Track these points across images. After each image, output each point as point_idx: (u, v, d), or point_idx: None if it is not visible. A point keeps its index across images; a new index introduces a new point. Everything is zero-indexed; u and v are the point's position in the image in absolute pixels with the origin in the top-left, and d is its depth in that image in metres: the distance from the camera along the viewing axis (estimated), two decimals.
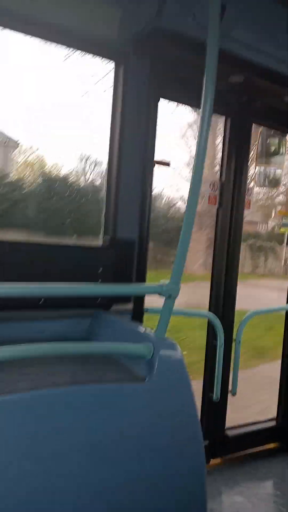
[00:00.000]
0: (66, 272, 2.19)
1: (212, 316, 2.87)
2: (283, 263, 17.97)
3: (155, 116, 2.36)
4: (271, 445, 3.34)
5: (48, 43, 2.21)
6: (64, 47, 2.27)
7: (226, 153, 2.97)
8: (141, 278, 2.41)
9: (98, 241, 2.43)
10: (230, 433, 3.18)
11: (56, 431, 1.42)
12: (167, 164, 2.59)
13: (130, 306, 2.38)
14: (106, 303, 2.28)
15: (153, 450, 1.61)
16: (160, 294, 1.65)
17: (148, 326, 1.98)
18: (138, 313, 2.38)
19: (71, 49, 2.28)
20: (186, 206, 1.65)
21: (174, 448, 1.66)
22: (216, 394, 2.87)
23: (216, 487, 2.83)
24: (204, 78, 1.58)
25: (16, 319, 2.06)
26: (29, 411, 1.39)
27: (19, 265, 2.06)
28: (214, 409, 3.04)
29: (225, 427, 3.16)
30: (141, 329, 1.91)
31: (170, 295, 1.65)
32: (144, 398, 1.62)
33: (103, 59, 2.37)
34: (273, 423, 3.44)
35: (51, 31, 2.14)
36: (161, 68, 2.35)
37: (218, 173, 3.04)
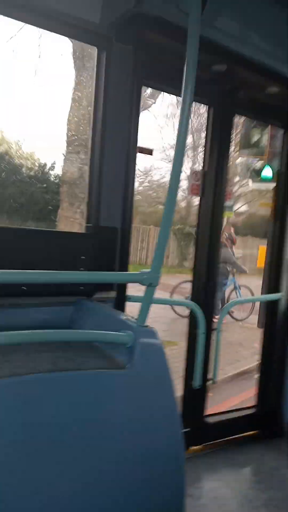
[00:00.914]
0: (49, 258, 2.18)
1: (193, 305, 2.90)
2: None
3: (138, 103, 2.35)
4: (251, 433, 3.41)
5: (28, 26, 2.18)
6: (45, 31, 2.23)
7: (209, 142, 2.98)
8: (124, 266, 2.41)
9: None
10: (210, 420, 3.22)
11: (35, 418, 1.41)
12: (150, 151, 2.58)
13: (113, 294, 2.38)
14: (89, 291, 2.28)
15: (132, 436, 1.62)
16: (141, 282, 1.66)
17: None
18: (120, 301, 2.39)
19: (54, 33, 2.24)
20: (167, 196, 1.65)
21: (153, 434, 1.67)
22: (196, 381, 2.91)
23: (196, 473, 2.87)
24: (185, 66, 1.57)
25: None
26: (8, 397, 1.38)
27: (2, 249, 2.04)
28: (194, 396, 3.08)
29: (205, 414, 3.20)
30: (123, 317, 1.91)
31: (150, 284, 1.66)
32: (124, 385, 1.63)
33: (86, 44, 2.35)
34: (252, 411, 3.50)
35: (32, 14, 2.11)
36: (144, 55, 2.33)
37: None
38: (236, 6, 2.44)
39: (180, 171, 1.62)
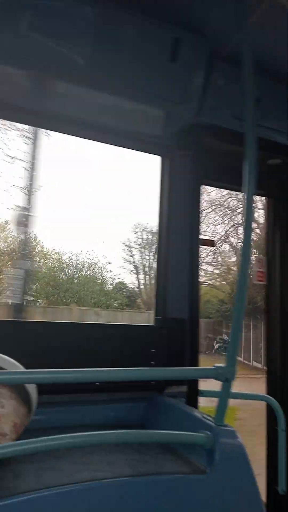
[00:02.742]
0: (121, 351, 2.23)
1: (270, 399, 2.72)
2: None
3: (198, 200, 2.50)
4: None
5: (99, 143, 2.50)
6: (114, 146, 2.54)
7: (270, 230, 3.04)
8: (194, 357, 2.38)
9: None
10: None
11: None
12: (212, 243, 2.67)
13: (184, 388, 2.32)
14: (161, 385, 2.26)
15: None
16: (216, 378, 1.61)
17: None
18: (192, 396, 2.31)
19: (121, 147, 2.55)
20: (237, 287, 1.66)
21: None
22: (281, 486, 2.61)
23: None
24: (245, 164, 1.69)
25: (72, 403, 2.06)
26: (88, 502, 1.35)
27: (74, 345, 2.14)
28: (280, 503, 2.74)
29: None
30: (198, 414, 1.84)
31: (227, 379, 1.60)
32: (206, 491, 1.53)
33: (150, 154, 2.62)
34: None
35: (103, 133, 2.43)
36: (202, 158, 2.54)
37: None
38: (281, 105, 2.64)
39: (249, 264, 1.65)
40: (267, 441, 2.88)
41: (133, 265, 20.44)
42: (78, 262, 17.64)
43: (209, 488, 1.53)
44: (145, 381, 2.16)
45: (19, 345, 2.01)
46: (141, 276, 20.44)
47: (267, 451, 2.88)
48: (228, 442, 1.60)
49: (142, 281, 20.50)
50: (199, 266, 2.52)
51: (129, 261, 20.46)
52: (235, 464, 1.59)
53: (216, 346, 19.09)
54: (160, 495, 1.45)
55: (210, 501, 1.52)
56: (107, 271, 18.60)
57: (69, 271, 17.37)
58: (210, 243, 2.75)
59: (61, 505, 1.32)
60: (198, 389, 2.34)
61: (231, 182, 2.79)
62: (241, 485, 1.58)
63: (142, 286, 20.37)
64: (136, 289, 19.99)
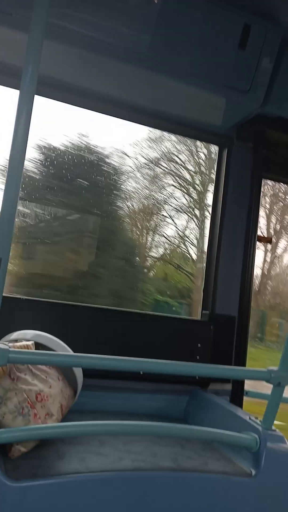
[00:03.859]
0: (166, 343, 2.20)
1: None
2: None
3: (258, 195, 2.40)
4: None
5: (159, 131, 2.46)
6: (173, 134, 2.50)
7: None
8: (241, 357, 2.31)
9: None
10: None
11: None
12: (270, 240, 2.57)
13: (228, 386, 2.27)
14: (205, 381, 2.22)
15: None
16: (267, 381, 1.55)
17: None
18: (237, 395, 2.25)
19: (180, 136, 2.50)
20: None
21: None
22: None
23: None
24: None
25: (115, 389, 2.08)
26: (129, 491, 1.34)
27: (122, 332, 2.15)
28: None
29: None
30: (244, 415, 1.79)
31: (279, 383, 1.53)
32: (251, 495, 1.48)
33: (208, 144, 2.55)
34: None
35: (163, 121, 2.38)
36: (263, 150, 2.44)
37: None
38: None
39: None
40: None
41: None
42: None
43: (254, 492, 1.49)
44: (190, 376, 2.13)
45: (69, 328, 2.04)
46: None
47: None
48: (276, 447, 1.54)
49: None
50: (254, 264, 2.44)
51: None
52: (283, 470, 1.53)
53: None
54: (203, 493, 1.42)
55: (254, 505, 1.47)
56: None
57: None
58: (267, 240, 2.64)
59: (102, 491, 1.33)
60: (243, 389, 2.28)
61: None
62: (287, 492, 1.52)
63: None
64: None
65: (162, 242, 6.34)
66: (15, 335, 1.72)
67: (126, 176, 4.64)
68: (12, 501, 1.22)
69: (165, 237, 6.20)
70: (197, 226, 6.01)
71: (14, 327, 1.78)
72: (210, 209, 2.55)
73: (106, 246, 4.70)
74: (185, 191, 5.99)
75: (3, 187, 1.34)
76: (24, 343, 1.57)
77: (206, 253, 2.56)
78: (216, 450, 1.72)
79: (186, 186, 5.94)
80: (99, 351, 1.51)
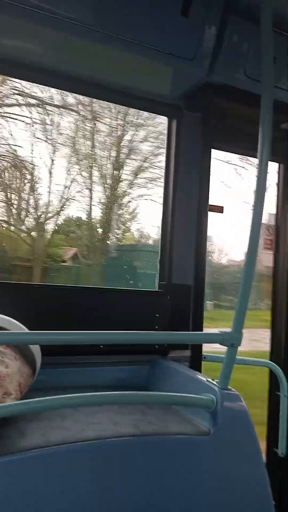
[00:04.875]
0: (125, 315, 2.24)
1: (273, 365, 2.74)
2: None
3: (208, 165, 2.42)
4: None
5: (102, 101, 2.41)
6: (119, 105, 2.45)
7: (280, 198, 2.96)
8: (198, 324, 2.38)
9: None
10: None
11: (120, 481, 1.39)
12: (221, 209, 2.61)
13: (187, 353, 2.34)
14: (164, 350, 2.28)
15: (218, 508, 1.51)
16: (221, 343, 1.61)
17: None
18: (195, 361, 2.33)
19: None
20: (246, 253, 1.63)
21: (240, 507, 1.54)
22: (281, 449, 2.67)
23: None
24: (260, 128, 1.61)
25: (76, 364, 2.09)
26: (94, 460, 1.38)
27: (81, 309, 2.17)
28: (280, 465, 2.82)
29: None
30: (202, 378, 1.86)
31: (232, 344, 1.59)
32: (209, 452, 1.55)
33: (156, 115, 2.53)
34: None
35: (109, 92, 2.33)
36: (212, 120, 2.45)
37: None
38: None
39: (259, 229, 1.61)
40: (268, 406, 2.92)
41: None
42: None
43: (212, 449, 1.56)
44: (149, 345, 2.18)
45: (24, 308, 2.02)
46: None
47: (268, 416, 2.93)
48: (232, 405, 1.62)
49: None
50: (207, 233, 2.48)
51: None
52: (239, 427, 1.62)
53: None
54: (164, 455, 1.48)
55: (213, 461, 1.54)
56: None
57: None
58: (219, 209, 2.68)
59: (67, 463, 1.35)
60: (201, 354, 2.36)
61: (243, 147, 2.69)
62: (244, 447, 1.61)
63: None
64: None
65: None
66: None
67: None
68: None
69: None
70: None
71: None
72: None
73: None
74: None
75: None
76: None
77: (160, 225, 2.58)
78: (177, 414, 1.78)
79: None
80: (56, 329, 1.51)
